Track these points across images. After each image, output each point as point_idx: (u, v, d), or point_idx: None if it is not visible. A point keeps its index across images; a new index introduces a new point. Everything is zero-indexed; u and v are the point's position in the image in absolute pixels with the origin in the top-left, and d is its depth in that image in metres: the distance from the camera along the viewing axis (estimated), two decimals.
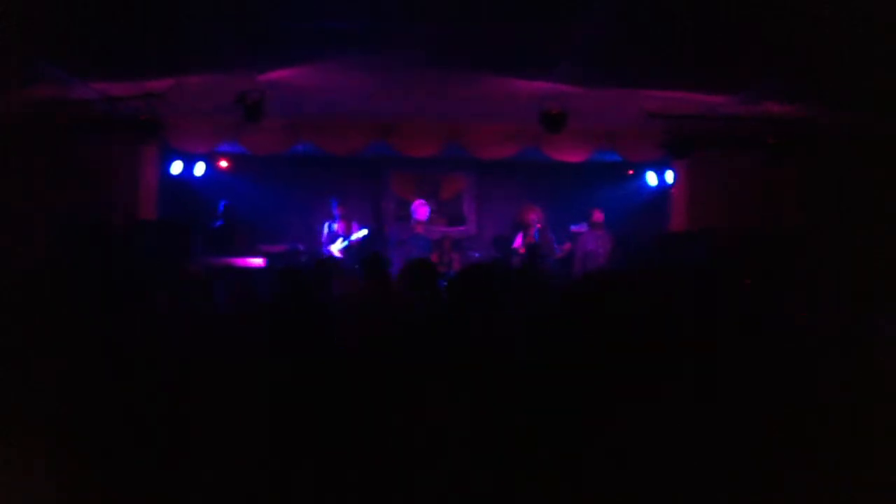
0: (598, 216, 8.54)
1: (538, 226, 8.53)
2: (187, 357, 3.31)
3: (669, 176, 8.73)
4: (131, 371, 3.06)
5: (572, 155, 8.01)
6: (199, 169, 9.00)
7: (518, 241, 8.63)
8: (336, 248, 8.66)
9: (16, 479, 2.40)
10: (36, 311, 3.89)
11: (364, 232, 8.74)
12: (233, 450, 2.64)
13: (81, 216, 6.28)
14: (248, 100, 6.01)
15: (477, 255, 9.31)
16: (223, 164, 9.42)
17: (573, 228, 9.00)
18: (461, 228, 10.04)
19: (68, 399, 2.82)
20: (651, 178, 9.39)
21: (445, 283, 8.07)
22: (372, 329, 5.23)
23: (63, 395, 2.85)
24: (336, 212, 8.73)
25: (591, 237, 8.56)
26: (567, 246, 8.66)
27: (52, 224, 5.87)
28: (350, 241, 8.66)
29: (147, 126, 6.20)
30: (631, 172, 9.69)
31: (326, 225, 8.77)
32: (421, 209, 8.72)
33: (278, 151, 7.91)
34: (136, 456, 2.56)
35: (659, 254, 7.44)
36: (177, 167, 8.48)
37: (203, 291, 4.42)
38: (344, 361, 3.12)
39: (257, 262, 7.87)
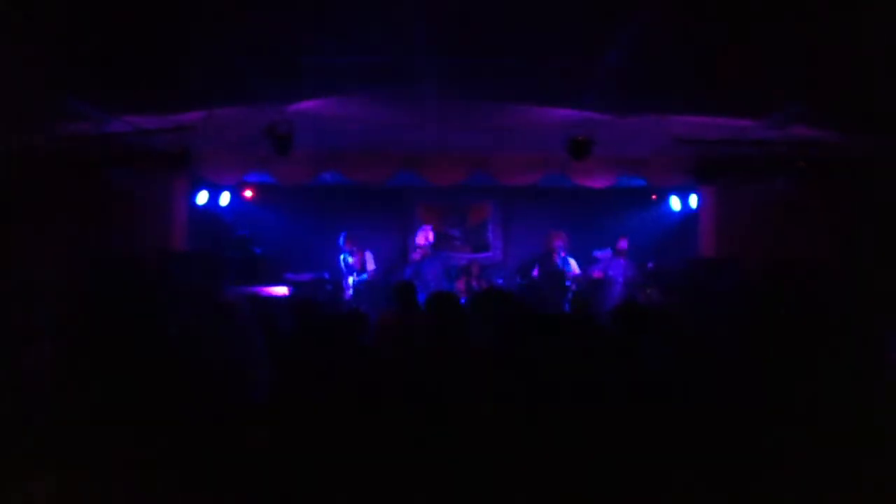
0: (622, 244, 8.56)
1: (563, 253, 8.52)
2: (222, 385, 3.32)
3: (693, 200, 8.70)
4: (164, 402, 3.06)
5: (598, 181, 7.97)
6: (225, 199, 9.09)
7: (536, 271, 8.69)
8: (350, 281, 8.58)
9: None
10: (71, 344, 3.92)
11: (372, 266, 8.56)
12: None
13: (115, 249, 6.34)
14: (278, 132, 6.02)
15: (501, 281, 9.28)
16: (248, 193, 9.50)
17: (596, 254, 8.96)
18: (487, 255, 10.04)
19: (102, 426, 2.84)
20: (675, 203, 9.36)
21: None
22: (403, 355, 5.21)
23: (97, 423, 2.87)
24: (345, 247, 8.57)
25: (612, 264, 8.57)
26: (575, 272, 8.62)
27: (85, 258, 5.92)
28: (358, 277, 8.54)
29: (178, 158, 6.26)
30: (654, 197, 9.68)
31: (342, 257, 8.68)
32: (422, 234, 8.58)
33: (305, 181, 7.95)
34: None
35: (691, 281, 7.36)
36: (202, 197, 8.57)
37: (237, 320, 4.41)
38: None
39: (282, 290, 7.88)
